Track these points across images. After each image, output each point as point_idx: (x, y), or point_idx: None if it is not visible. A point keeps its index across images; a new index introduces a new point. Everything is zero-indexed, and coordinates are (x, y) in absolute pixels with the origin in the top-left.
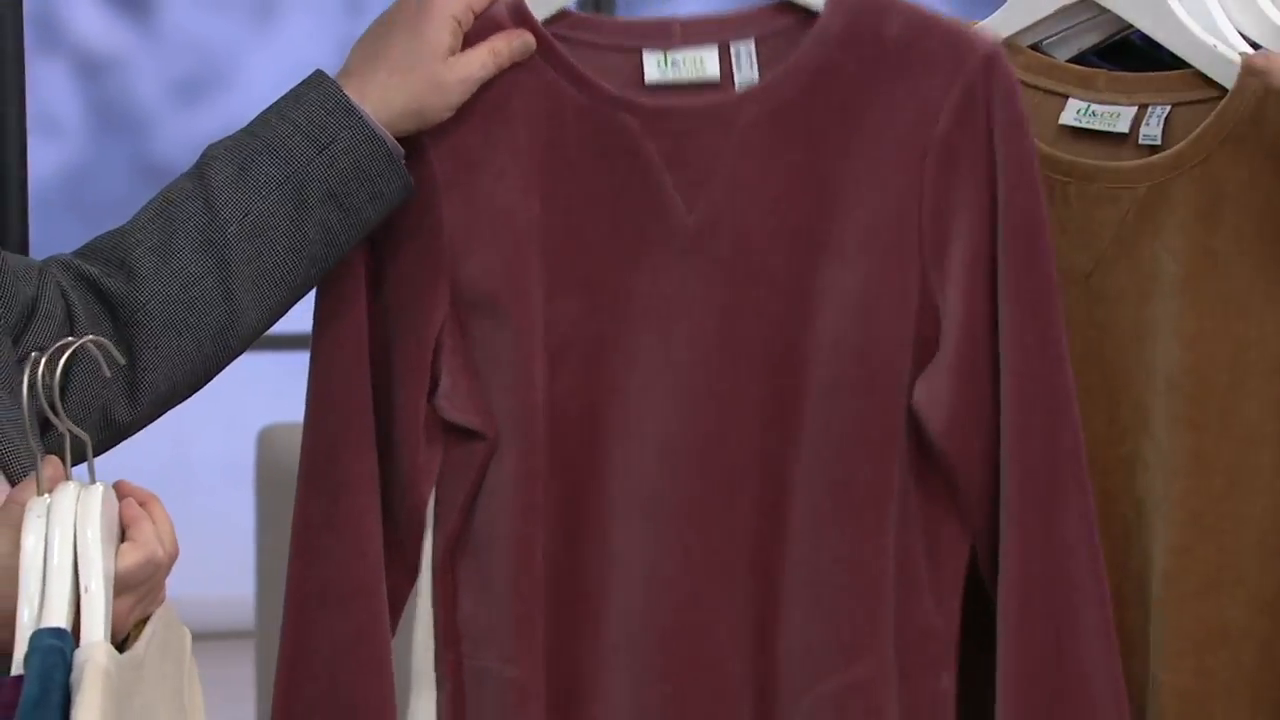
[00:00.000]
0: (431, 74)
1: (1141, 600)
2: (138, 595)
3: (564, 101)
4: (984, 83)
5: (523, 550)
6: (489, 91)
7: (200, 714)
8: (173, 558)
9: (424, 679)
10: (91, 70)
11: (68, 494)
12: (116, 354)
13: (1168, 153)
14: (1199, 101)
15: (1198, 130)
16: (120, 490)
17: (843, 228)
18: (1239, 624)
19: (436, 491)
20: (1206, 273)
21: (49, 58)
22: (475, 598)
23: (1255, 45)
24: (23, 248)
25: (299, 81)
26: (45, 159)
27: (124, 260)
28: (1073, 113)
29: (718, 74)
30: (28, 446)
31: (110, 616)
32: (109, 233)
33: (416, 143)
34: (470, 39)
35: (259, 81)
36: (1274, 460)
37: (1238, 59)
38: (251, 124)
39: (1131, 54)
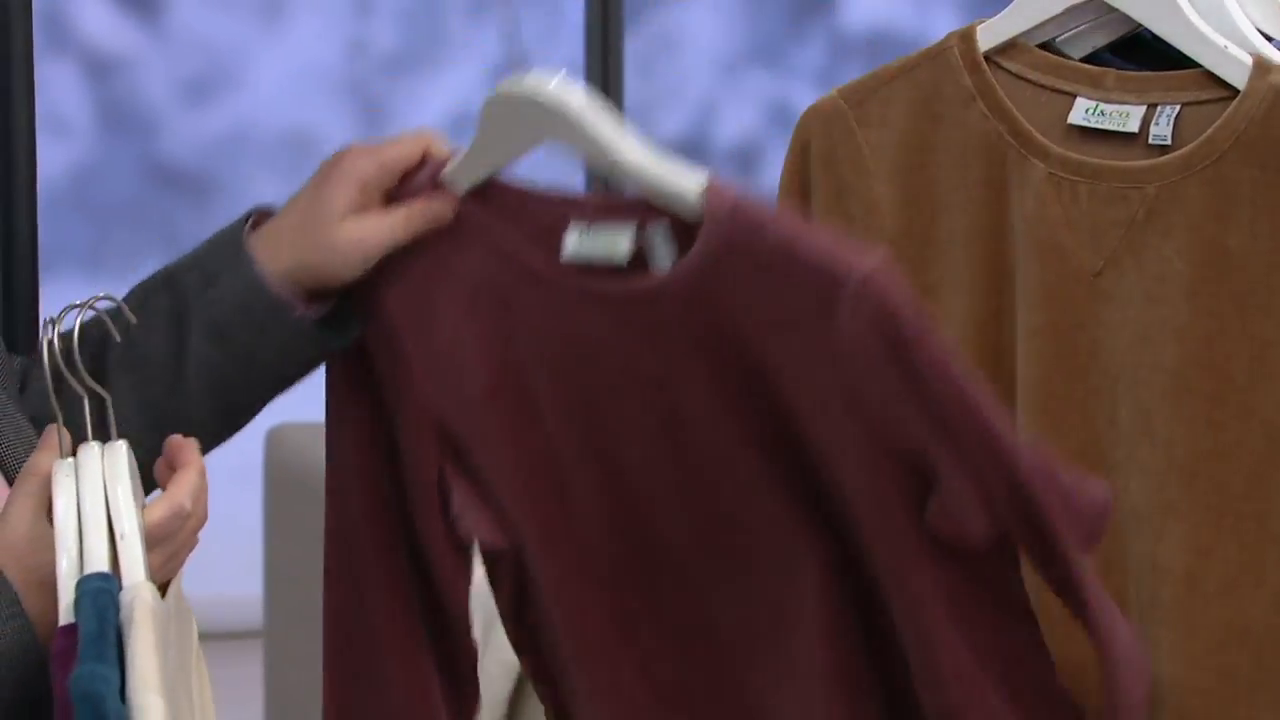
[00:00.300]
0: (321, 235)
1: (1142, 602)
2: (164, 553)
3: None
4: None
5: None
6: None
7: (210, 708)
8: (200, 518)
9: None
10: (100, 70)
11: (92, 452)
12: (129, 315)
13: (1179, 153)
14: (1209, 101)
15: (1209, 131)
16: (169, 445)
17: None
18: (1261, 623)
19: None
20: (1221, 273)
21: (57, 58)
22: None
23: (1271, 40)
24: (31, 247)
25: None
26: (54, 159)
27: (95, 354)
28: (1081, 112)
29: (627, 255)
30: (25, 446)
31: (142, 551)
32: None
33: (373, 284)
34: (404, 194)
35: (268, 82)
36: None
37: (1249, 59)
38: (183, 255)
39: (1145, 50)
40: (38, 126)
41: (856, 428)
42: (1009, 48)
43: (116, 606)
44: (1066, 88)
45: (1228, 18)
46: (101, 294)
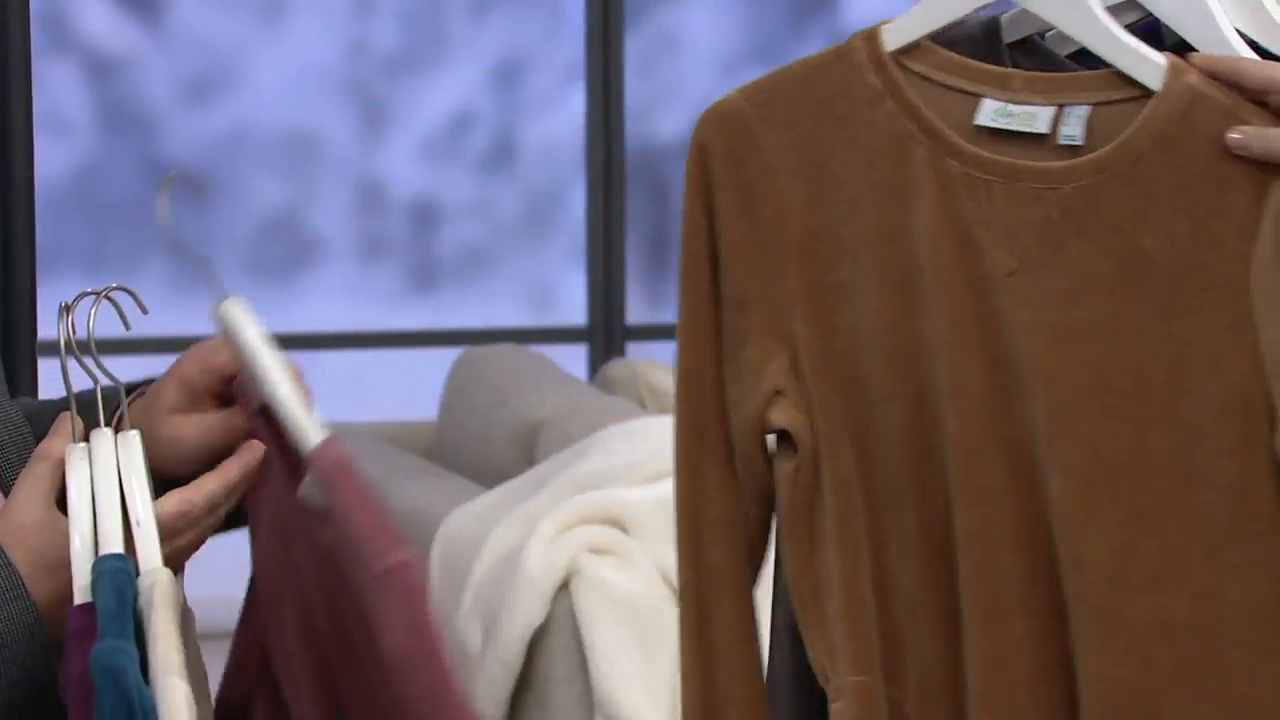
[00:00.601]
0: (151, 431)
1: (1068, 598)
2: (170, 547)
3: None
4: None
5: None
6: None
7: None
8: (214, 518)
9: None
10: (100, 70)
11: (105, 438)
12: (141, 302)
13: (1096, 154)
14: (1121, 101)
15: (1126, 132)
16: (241, 450)
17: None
18: (1184, 620)
19: None
20: (1140, 274)
21: (57, 58)
22: None
23: (1254, 45)
24: (30, 247)
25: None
26: (54, 159)
27: None
28: (988, 113)
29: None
30: (21, 460)
31: (156, 535)
32: None
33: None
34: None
35: (268, 82)
36: (1212, 457)
37: (1163, 60)
38: None
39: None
40: (38, 126)
41: None
42: (913, 48)
43: (135, 589)
44: (972, 88)
45: (1212, 22)
46: (115, 284)
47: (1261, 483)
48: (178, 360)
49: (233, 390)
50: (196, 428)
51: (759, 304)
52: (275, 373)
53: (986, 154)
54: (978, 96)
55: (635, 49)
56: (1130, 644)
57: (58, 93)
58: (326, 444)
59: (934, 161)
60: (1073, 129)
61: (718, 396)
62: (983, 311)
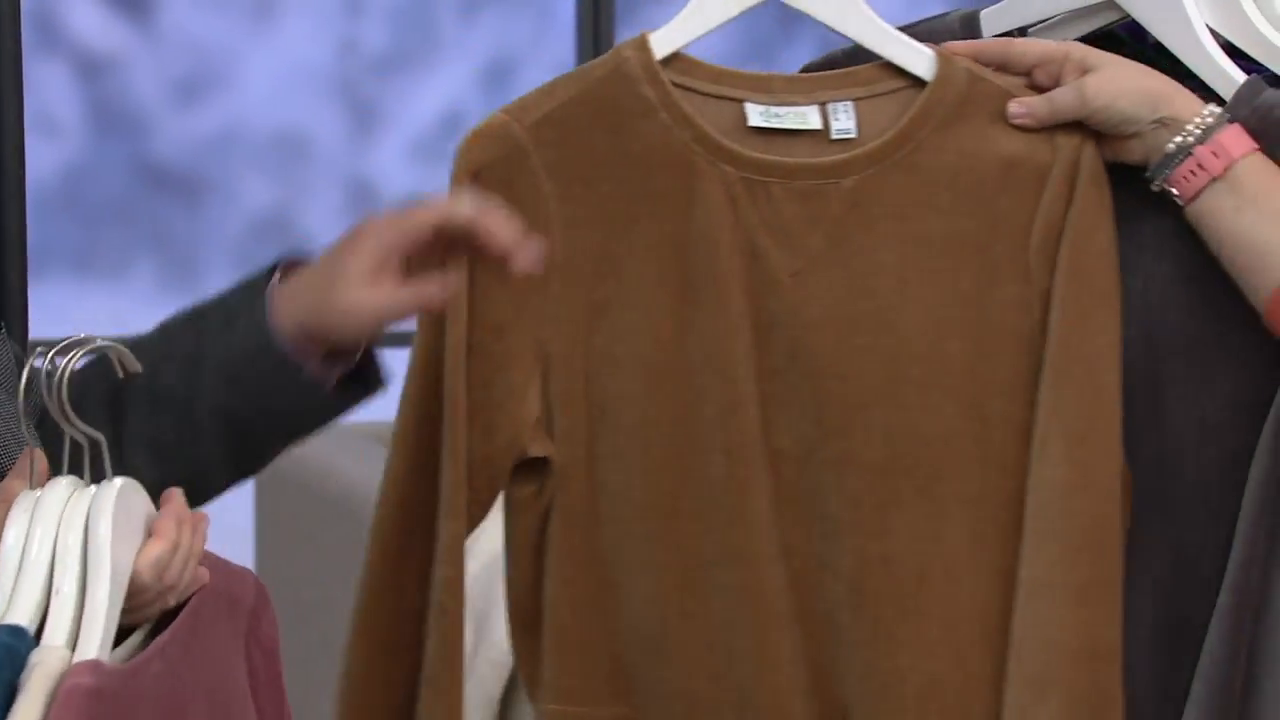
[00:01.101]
0: (328, 298)
1: (871, 595)
2: (146, 596)
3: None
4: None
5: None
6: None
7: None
8: (169, 585)
9: None
10: (90, 70)
11: (56, 493)
12: (133, 360)
13: (874, 144)
14: (891, 92)
15: (903, 121)
16: (163, 500)
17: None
18: (991, 610)
19: None
20: (926, 261)
21: (47, 58)
22: None
23: (1233, 47)
24: (21, 248)
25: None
26: (44, 159)
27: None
28: (756, 115)
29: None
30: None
31: (105, 620)
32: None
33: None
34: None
35: (258, 82)
36: (1005, 439)
37: (929, 50)
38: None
39: (1116, 45)
40: (28, 127)
41: None
42: (674, 59)
43: (17, 667)
44: (734, 95)
45: (1187, 23)
46: (84, 336)
47: None
48: (358, 231)
49: (413, 262)
50: (381, 298)
51: (517, 328)
52: (104, 570)
53: (764, 156)
54: (741, 102)
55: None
56: (939, 638)
57: (47, 92)
58: (78, 669)
59: (711, 170)
60: (844, 123)
61: (464, 423)
62: (760, 320)
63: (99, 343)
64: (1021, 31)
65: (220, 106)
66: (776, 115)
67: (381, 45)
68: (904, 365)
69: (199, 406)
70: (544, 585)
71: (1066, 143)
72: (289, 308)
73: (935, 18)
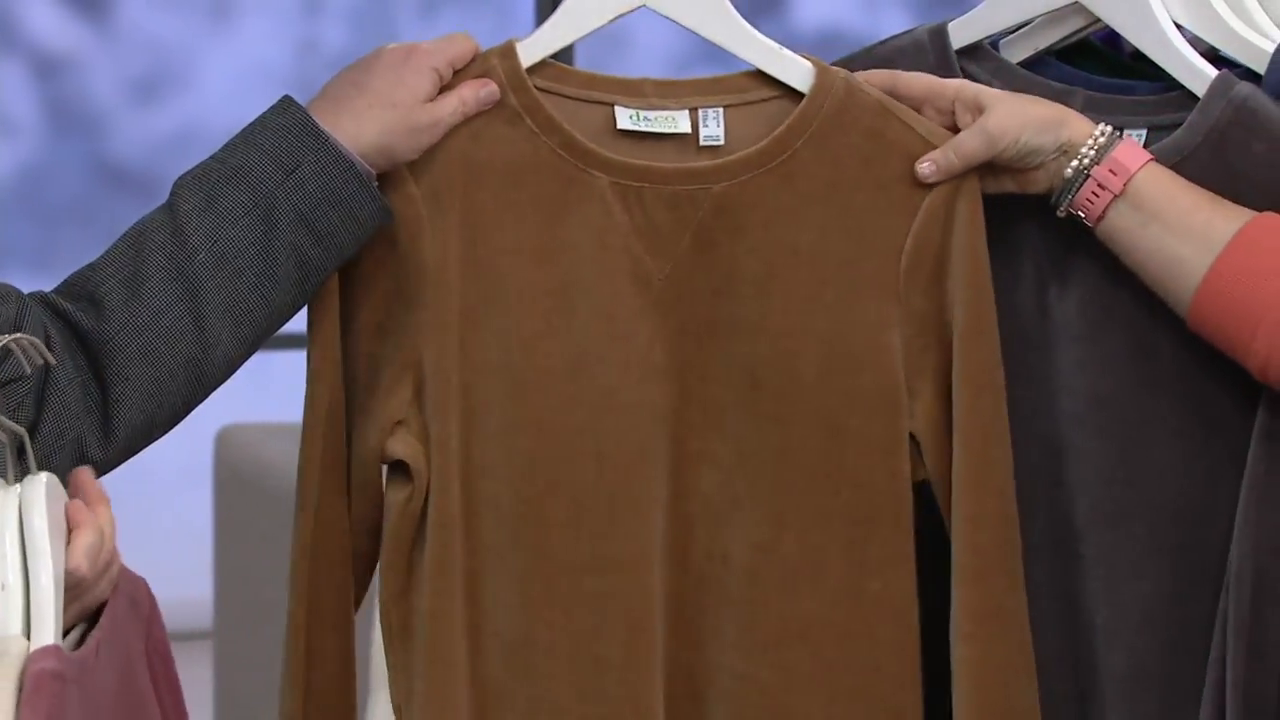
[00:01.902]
0: (408, 113)
1: (710, 594)
2: (74, 595)
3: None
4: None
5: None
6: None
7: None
8: (101, 572)
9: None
10: (47, 70)
11: None
12: (46, 353)
13: (747, 151)
14: (763, 100)
15: (778, 130)
16: (74, 481)
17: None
18: (820, 617)
19: None
20: (792, 271)
21: (4, 57)
22: None
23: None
24: None
25: (267, 108)
26: (1, 159)
27: (93, 294)
28: (626, 118)
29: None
30: None
31: (54, 609)
32: (82, 268)
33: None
34: (444, 88)
35: (216, 81)
36: (857, 454)
37: (805, 61)
38: (219, 151)
39: (1092, 56)
40: None
41: None
42: (543, 66)
43: None
44: (604, 99)
45: (1155, 24)
46: (18, 335)
47: (902, 479)
48: (408, 59)
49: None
50: (445, 110)
51: (395, 330)
52: (44, 561)
53: (633, 161)
54: (611, 106)
55: (584, 48)
56: (767, 643)
57: (4, 92)
58: (39, 654)
59: (580, 176)
60: (712, 129)
61: (343, 431)
62: (636, 319)
63: (10, 336)
64: (994, 44)
65: (178, 106)
66: (646, 119)
67: (340, 45)
68: (758, 372)
69: (278, 257)
70: (413, 597)
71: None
72: (362, 134)
73: (905, 32)
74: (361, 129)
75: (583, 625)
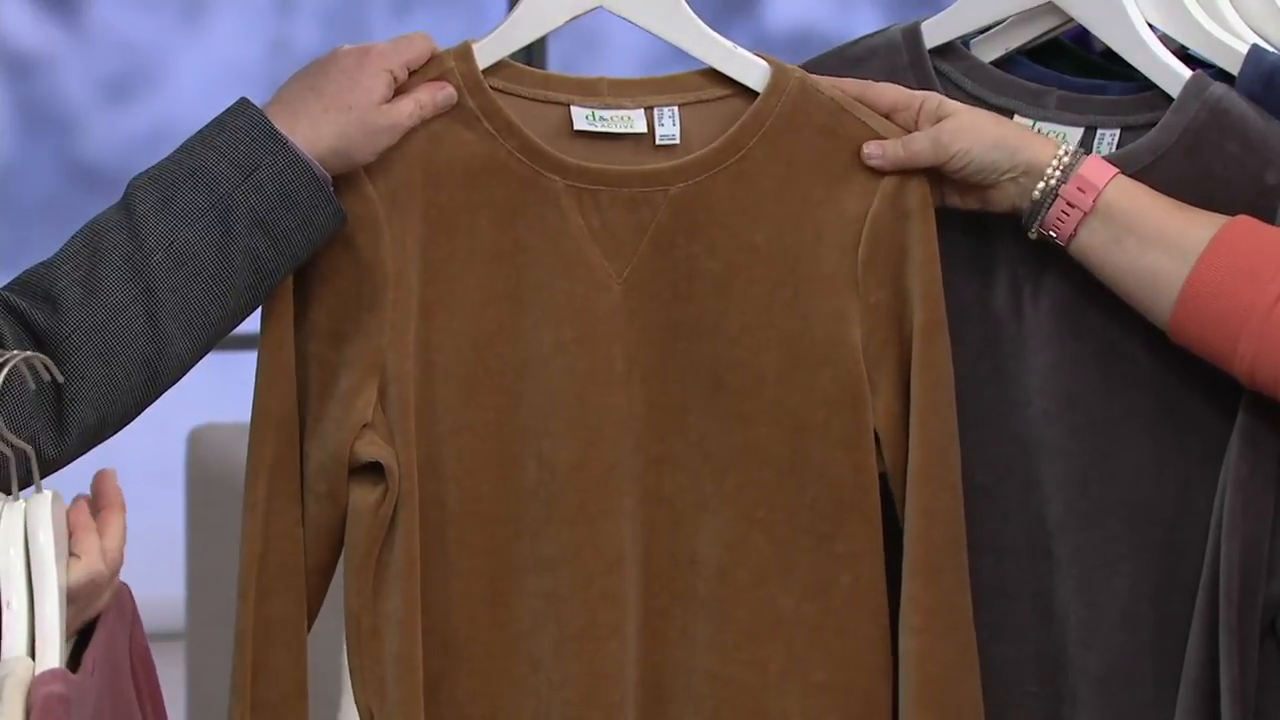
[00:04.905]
0: (364, 116)
1: (680, 594)
2: (77, 608)
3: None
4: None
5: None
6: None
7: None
8: (115, 572)
9: None
10: (19, 69)
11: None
12: (55, 371)
13: (702, 152)
14: (718, 99)
15: (732, 130)
16: (96, 483)
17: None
18: (791, 613)
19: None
20: (750, 269)
21: None
22: None
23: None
24: None
25: (223, 110)
26: None
27: (49, 292)
28: (582, 118)
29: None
30: None
31: (59, 631)
32: (36, 266)
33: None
34: (401, 88)
35: (188, 81)
36: (822, 449)
37: (761, 61)
38: (175, 151)
39: (1062, 54)
40: None
41: None
42: (500, 67)
43: None
44: (560, 98)
45: (1128, 23)
46: (25, 351)
47: (869, 473)
48: (362, 62)
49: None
50: (405, 111)
51: (354, 334)
52: (49, 580)
53: (590, 164)
54: (567, 106)
55: (558, 48)
56: (739, 640)
57: None
58: (47, 678)
59: (536, 180)
60: (668, 128)
61: (295, 436)
62: (596, 323)
63: (16, 354)
64: (965, 41)
65: (150, 106)
66: (602, 119)
67: (312, 44)
68: (721, 371)
69: (233, 258)
70: (385, 598)
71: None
72: (319, 137)
73: (878, 31)
74: (318, 133)
75: (525, 626)
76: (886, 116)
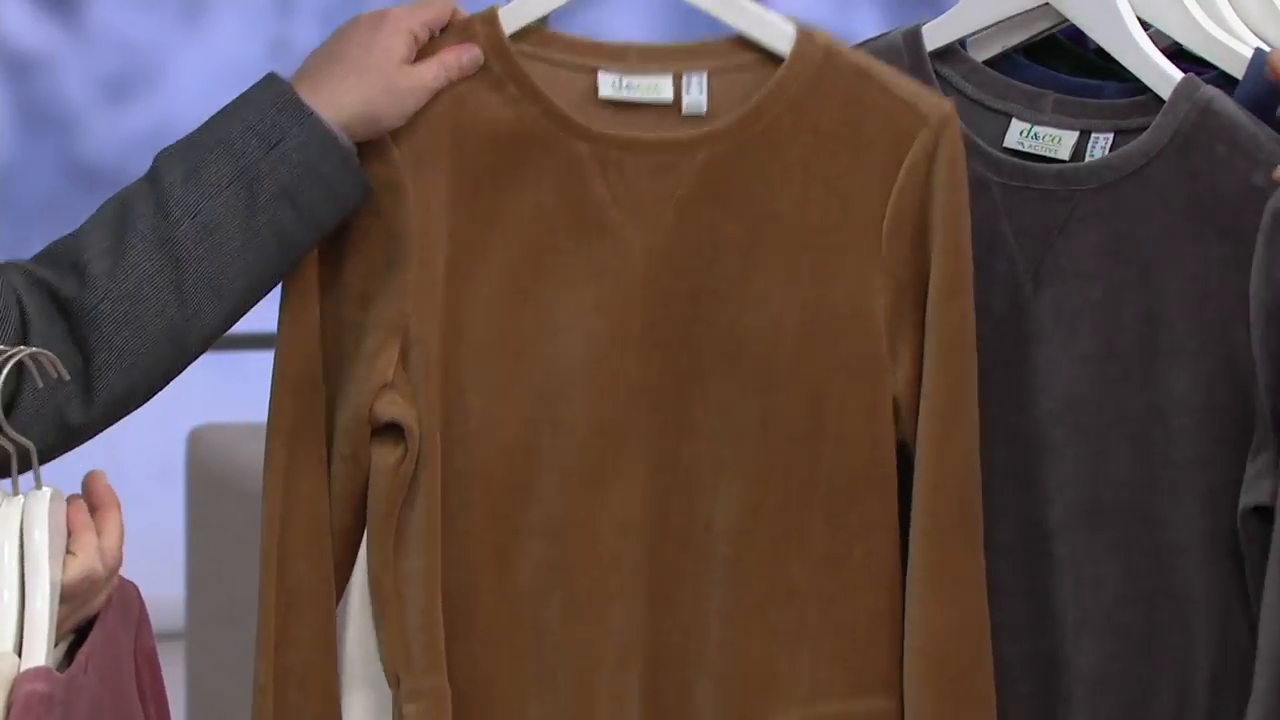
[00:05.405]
0: (386, 78)
1: (696, 563)
2: (72, 606)
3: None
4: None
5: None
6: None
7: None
8: (114, 571)
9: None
10: (19, 69)
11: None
12: (62, 369)
13: (728, 120)
14: (741, 67)
15: (757, 97)
16: (87, 484)
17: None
18: (803, 583)
19: None
20: (774, 238)
21: None
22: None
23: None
24: None
25: (252, 84)
26: None
27: (76, 262)
28: (608, 86)
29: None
30: None
31: (48, 629)
32: (63, 237)
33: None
34: (426, 52)
35: (188, 81)
36: (840, 420)
37: (791, 27)
38: (203, 124)
39: (1059, 52)
40: None
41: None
42: (527, 32)
43: None
44: (588, 64)
45: (1125, 29)
46: (32, 348)
47: (886, 445)
48: (380, 24)
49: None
50: (428, 74)
51: (379, 296)
52: (42, 578)
53: (614, 131)
54: (594, 71)
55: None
56: (751, 609)
57: None
58: (30, 675)
59: (559, 144)
60: (695, 97)
61: (318, 398)
62: (621, 289)
63: (24, 350)
64: (962, 43)
65: (150, 105)
66: (628, 86)
67: (312, 44)
68: (741, 340)
69: (259, 228)
70: (406, 557)
71: (924, 127)
72: (341, 103)
73: (880, 35)
74: (340, 99)
75: (530, 590)
76: None
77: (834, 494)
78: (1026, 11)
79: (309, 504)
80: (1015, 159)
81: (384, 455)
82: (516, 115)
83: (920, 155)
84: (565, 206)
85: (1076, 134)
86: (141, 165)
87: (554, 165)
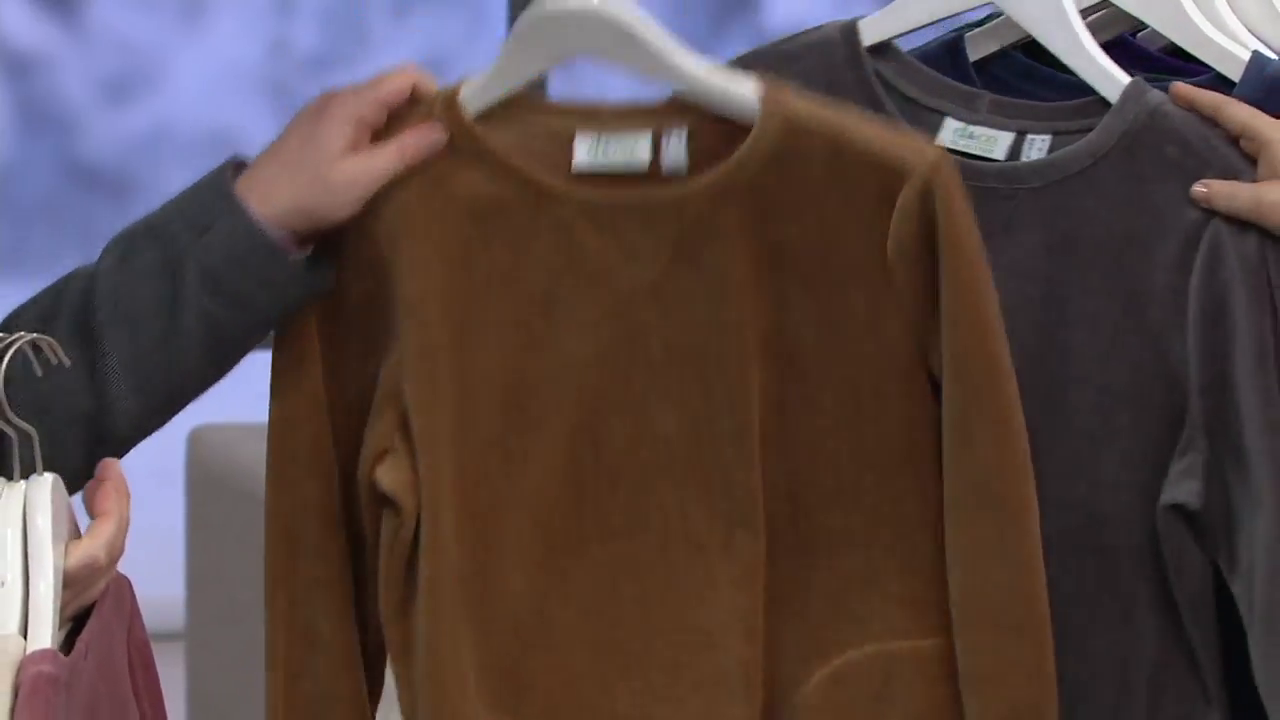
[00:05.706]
0: (317, 175)
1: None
2: (73, 591)
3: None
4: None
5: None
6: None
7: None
8: (114, 561)
9: None
10: (18, 69)
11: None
12: (62, 354)
13: (710, 179)
14: (717, 121)
15: (740, 152)
16: (101, 470)
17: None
18: (863, 534)
19: None
20: (780, 269)
21: None
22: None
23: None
24: None
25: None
26: None
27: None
28: (584, 151)
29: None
30: None
31: (53, 613)
32: (14, 309)
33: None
34: (391, 129)
35: (188, 81)
36: (852, 441)
37: (752, 95)
38: (158, 208)
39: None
40: None
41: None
42: (498, 103)
43: None
44: (562, 127)
45: (1070, 29)
46: (22, 334)
47: (922, 427)
48: (323, 108)
49: (392, 123)
50: (372, 164)
51: (379, 368)
52: (45, 563)
53: (598, 193)
54: (569, 136)
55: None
56: (825, 564)
57: None
58: (37, 657)
59: (546, 207)
60: (675, 154)
61: (331, 467)
62: (617, 340)
63: (25, 336)
64: (960, 39)
65: (150, 106)
66: (605, 149)
67: (312, 45)
68: (761, 372)
69: (184, 317)
70: (411, 617)
71: (919, 161)
72: (271, 198)
73: (816, 28)
74: (270, 194)
75: (570, 663)
76: (1235, 141)
77: (878, 483)
78: (967, 10)
79: (315, 511)
80: (957, 157)
81: (387, 521)
82: (497, 190)
83: (912, 198)
84: (560, 261)
85: (1012, 135)
86: (141, 165)
87: (542, 225)
